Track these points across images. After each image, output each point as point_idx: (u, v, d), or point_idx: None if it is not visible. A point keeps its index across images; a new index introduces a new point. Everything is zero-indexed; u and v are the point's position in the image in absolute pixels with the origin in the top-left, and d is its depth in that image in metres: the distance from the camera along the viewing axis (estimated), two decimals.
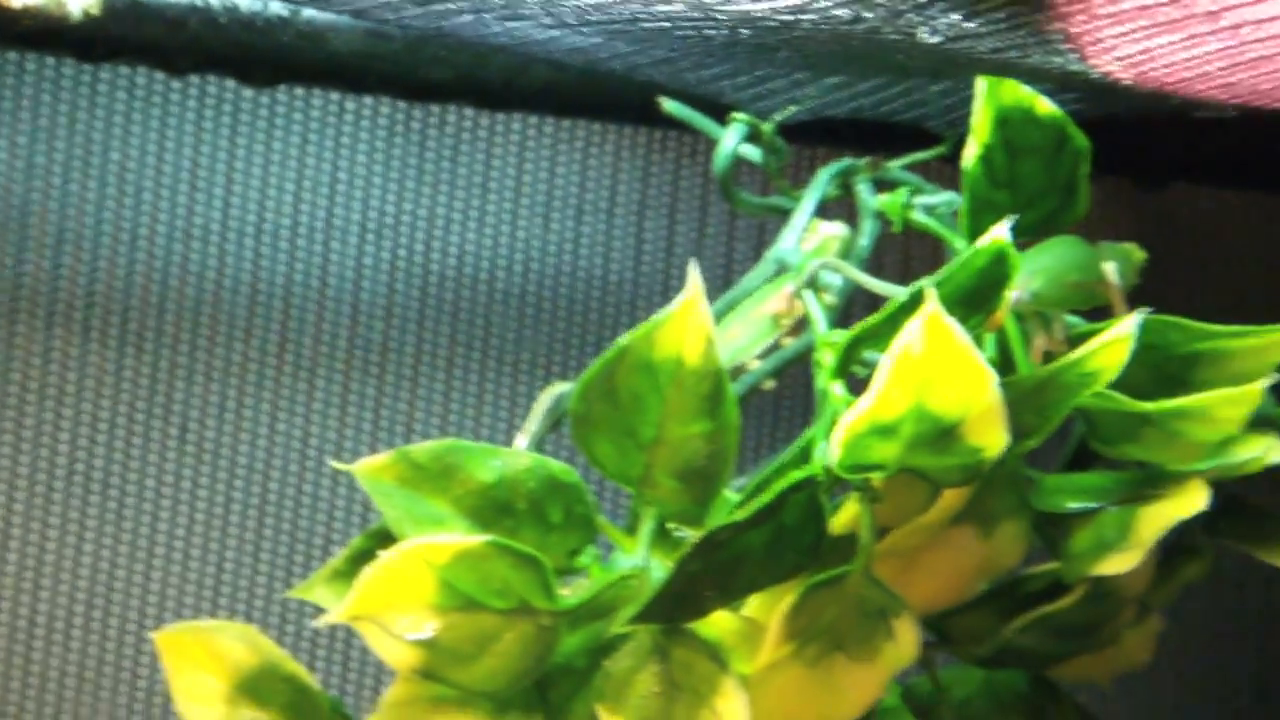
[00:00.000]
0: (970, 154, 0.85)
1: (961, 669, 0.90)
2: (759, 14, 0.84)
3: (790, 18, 0.83)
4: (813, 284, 0.89)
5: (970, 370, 0.74)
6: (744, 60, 0.95)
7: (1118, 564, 0.80)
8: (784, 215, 0.95)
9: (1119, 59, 0.85)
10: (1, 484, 1.08)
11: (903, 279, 0.89)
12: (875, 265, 0.90)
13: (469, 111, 1.13)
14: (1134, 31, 0.82)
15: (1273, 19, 0.78)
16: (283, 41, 1.01)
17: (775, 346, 0.92)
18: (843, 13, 0.81)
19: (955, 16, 0.83)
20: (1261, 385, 0.80)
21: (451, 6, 0.86)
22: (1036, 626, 0.83)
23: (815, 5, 0.81)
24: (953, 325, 0.74)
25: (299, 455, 1.12)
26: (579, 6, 0.85)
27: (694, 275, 0.77)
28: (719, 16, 0.84)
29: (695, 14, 0.85)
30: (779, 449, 0.87)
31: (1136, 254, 0.89)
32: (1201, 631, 1.21)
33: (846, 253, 0.93)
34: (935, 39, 0.84)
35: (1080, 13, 0.81)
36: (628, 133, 1.15)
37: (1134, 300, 0.87)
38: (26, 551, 1.08)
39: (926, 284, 0.77)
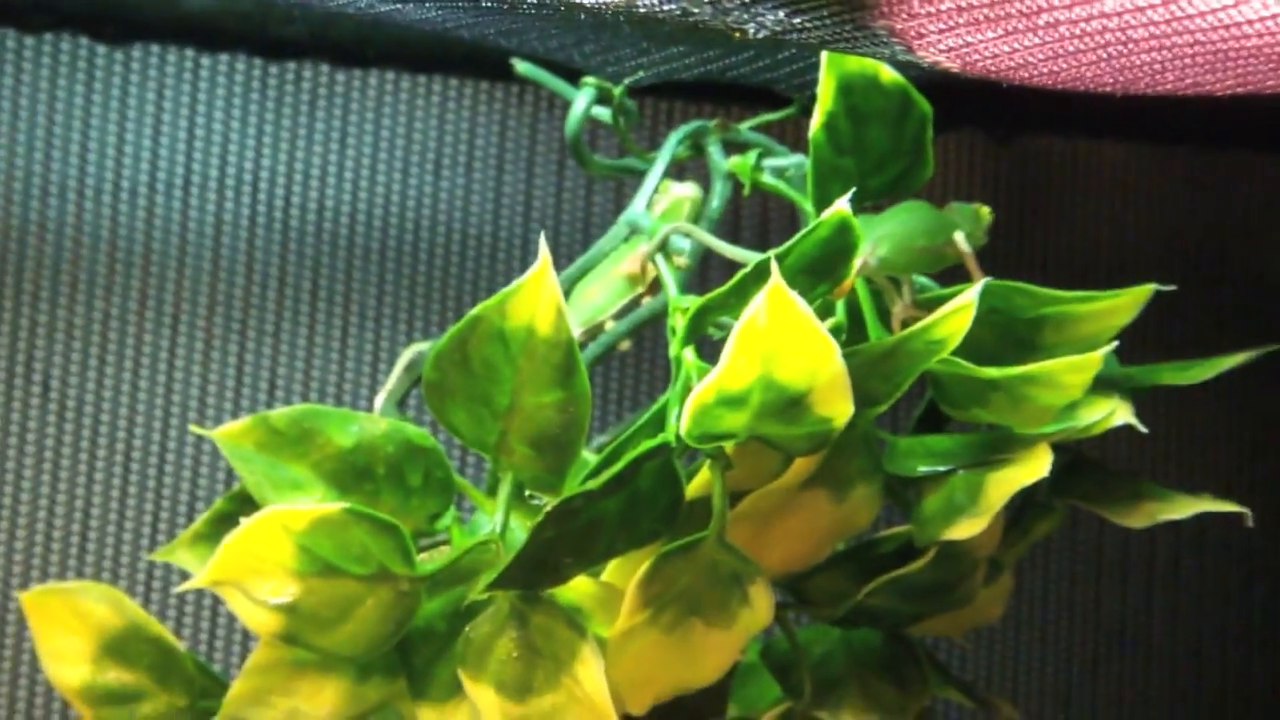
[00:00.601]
0: (815, 122, 0.86)
1: (819, 628, 0.91)
2: (590, 3, 0.84)
3: (622, 5, 0.83)
4: (663, 247, 0.90)
5: (814, 342, 0.75)
6: (588, 31, 0.95)
7: (967, 528, 0.81)
8: (637, 177, 0.96)
9: (943, 50, 0.84)
10: None
11: (762, 237, 0.91)
12: (733, 223, 0.91)
13: (325, 68, 1.13)
14: (955, 27, 0.81)
15: (1088, 19, 0.79)
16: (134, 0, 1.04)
17: (635, 305, 0.93)
18: (670, 7, 0.81)
19: (781, 14, 0.81)
20: (1104, 352, 0.81)
21: None
22: (890, 588, 0.84)
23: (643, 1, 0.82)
24: (796, 299, 0.74)
25: (162, 414, 1.12)
26: None
27: (543, 247, 0.77)
28: (551, 2, 0.85)
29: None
30: (643, 405, 0.88)
31: (985, 213, 0.88)
32: (1059, 582, 1.23)
33: (699, 214, 0.95)
34: (763, 34, 0.84)
35: (901, 11, 0.80)
36: (484, 88, 1.15)
37: (992, 251, 0.90)
38: None
39: (772, 255, 0.78)
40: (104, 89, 1.12)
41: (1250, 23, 0.78)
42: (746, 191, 0.95)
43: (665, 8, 0.81)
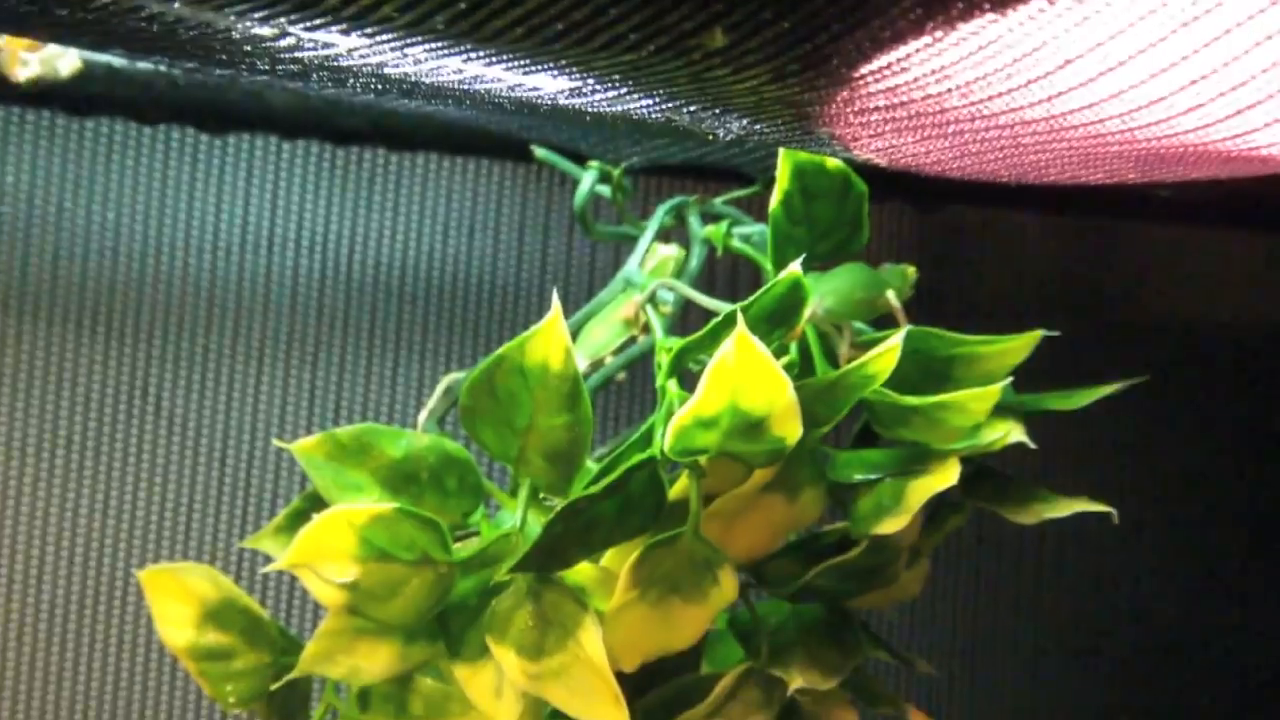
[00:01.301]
0: (774, 199, 0.88)
1: (775, 603, 0.91)
2: (586, 108, 0.84)
3: (616, 110, 0.83)
4: (652, 298, 0.91)
5: (772, 378, 0.76)
6: (592, 127, 0.93)
7: (892, 525, 0.82)
8: (632, 241, 0.97)
9: (873, 150, 0.85)
10: (15, 453, 1.08)
11: (732, 290, 0.92)
12: (709, 279, 0.93)
13: (381, 151, 1.13)
14: (881, 134, 0.82)
15: (985, 130, 0.79)
16: (230, 98, 1.03)
17: (630, 343, 0.94)
18: (658, 117, 0.83)
19: (744, 121, 0.81)
20: (1001, 385, 0.82)
21: (357, 86, 0.85)
22: (831, 572, 0.85)
23: (633, 108, 0.81)
24: (757, 343, 0.76)
25: (250, 430, 1.12)
26: (457, 92, 0.84)
27: (555, 300, 0.79)
28: (564, 105, 0.83)
29: (545, 102, 0.84)
30: (635, 422, 0.90)
31: (910, 272, 0.90)
32: (967, 565, 1.24)
33: (681, 270, 0.95)
34: (729, 136, 0.84)
35: (839, 122, 0.80)
36: (509, 169, 1.15)
37: (917, 302, 0.91)
38: (35, 508, 1.08)
39: (738, 307, 0.80)
40: (205, 169, 1.11)
41: (1112, 134, 0.81)
42: (719, 253, 0.97)
43: (653, 116, 0.82)
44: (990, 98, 0.77)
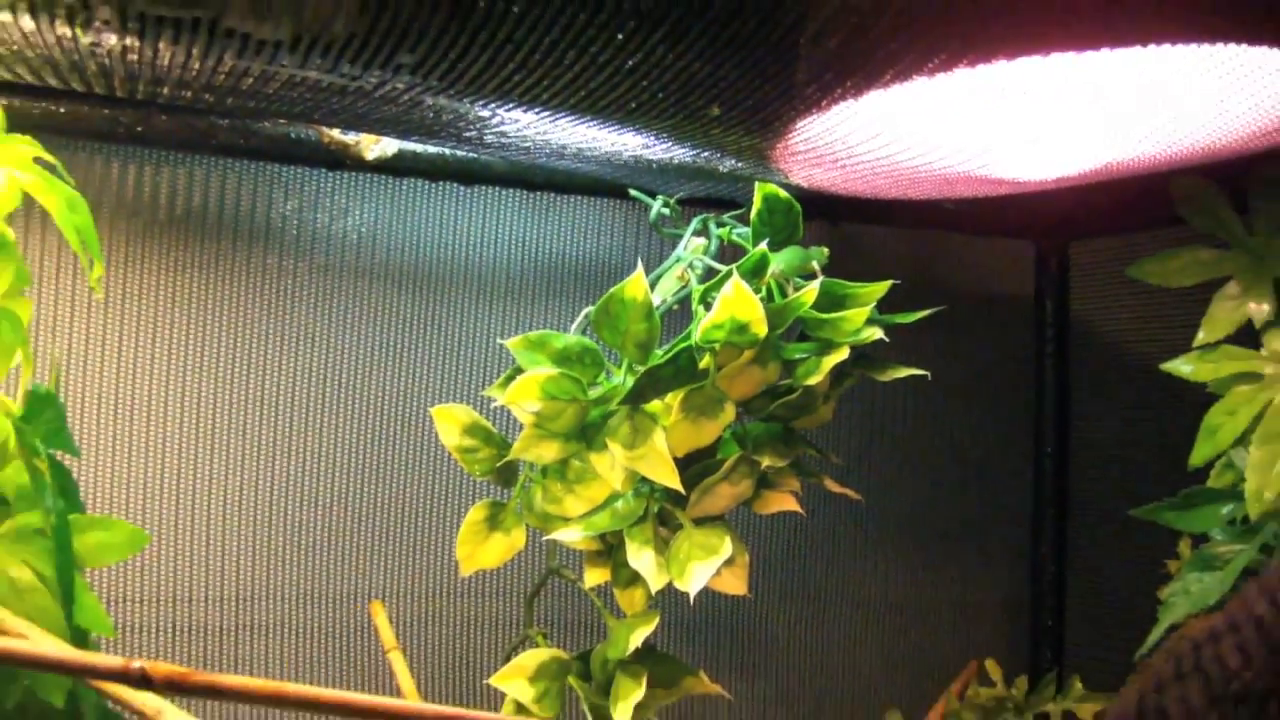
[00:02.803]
0: (753, 213, 0.93)
1: (755, 423, 0.95)
2: (650, 158, 0.88)
3: (667, 158, 0.88)
4: (691, 265, 0.97)
5: (751, 303, 0.85)
6: (655, 173, 0.96)
7: (815, 380, 0.89)
8: (679, 237, 1.00)
9: (804, 177, 0.89)
10: (390, 360, 1.05)
11: (733, 262, 0.93)
12: (720, 256, 0.97)
13: (524, 192, 1.09)
14: (810, 168, 0.87)
15: (874, 165, 0.83)
16: (474, 165, 1.02)
17: (683, 289, 0.96)
18: (689, 160, 0.87)
19: (731, 160, 0.86)
20: (869, 308, 0.90)
21: (511, 145, 0.87)
22: (782, 406, 0.92)
23: (675, 155, 0.85)
24: (745, 285, 0.85)
25: (483, 348, 1.08)
26: (582, 154, 0.89)
27: (639, 265, 0.86)
28: (639, 156, 0.88)
29: (628, 155, 0.87)
30: (681, 330, 0.91)
31: (824, 252, 0.95)
32: (857, 403, 1.23)
33: (706, 251, 0.98)
34: (725, 170, 0.91)
35: (783, 160, 0.84)
36: (613, 202, 1.12)
37: (830, 269, 0.95)
38: (386, 385, 1.05)
39: (734, 267, 0.88)
40: (464, 205, 1.07)
41: (970, 172, 0.85)
42: (725, 242, 0.99)
43: (686, 159, 0.86)
44: (866, 149, 0.82)
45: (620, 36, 0.56)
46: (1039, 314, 1.28)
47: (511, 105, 0.68)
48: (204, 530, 0.98)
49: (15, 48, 0.61)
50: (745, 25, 0.56)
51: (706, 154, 0.82)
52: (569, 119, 0.72)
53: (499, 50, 0.58)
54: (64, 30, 0.56)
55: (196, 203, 0.97)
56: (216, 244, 0.98)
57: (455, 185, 1.05)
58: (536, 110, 0.69)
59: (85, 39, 0.58)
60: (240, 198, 0.99)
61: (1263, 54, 0.63)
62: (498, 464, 0.94)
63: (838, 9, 0.54)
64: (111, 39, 0.57)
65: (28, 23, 0.55)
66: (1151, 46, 0.59)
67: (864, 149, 0.78)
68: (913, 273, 1.22)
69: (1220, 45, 0.61)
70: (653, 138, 0.77)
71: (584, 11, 0.54)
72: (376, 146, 0.97)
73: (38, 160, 0.65)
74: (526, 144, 0.81)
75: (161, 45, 0.58)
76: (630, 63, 0.59)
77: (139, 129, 0.90)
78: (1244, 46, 0.62)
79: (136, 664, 0.49)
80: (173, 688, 0.49)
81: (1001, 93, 0.69)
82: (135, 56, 0.61)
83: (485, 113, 0.70)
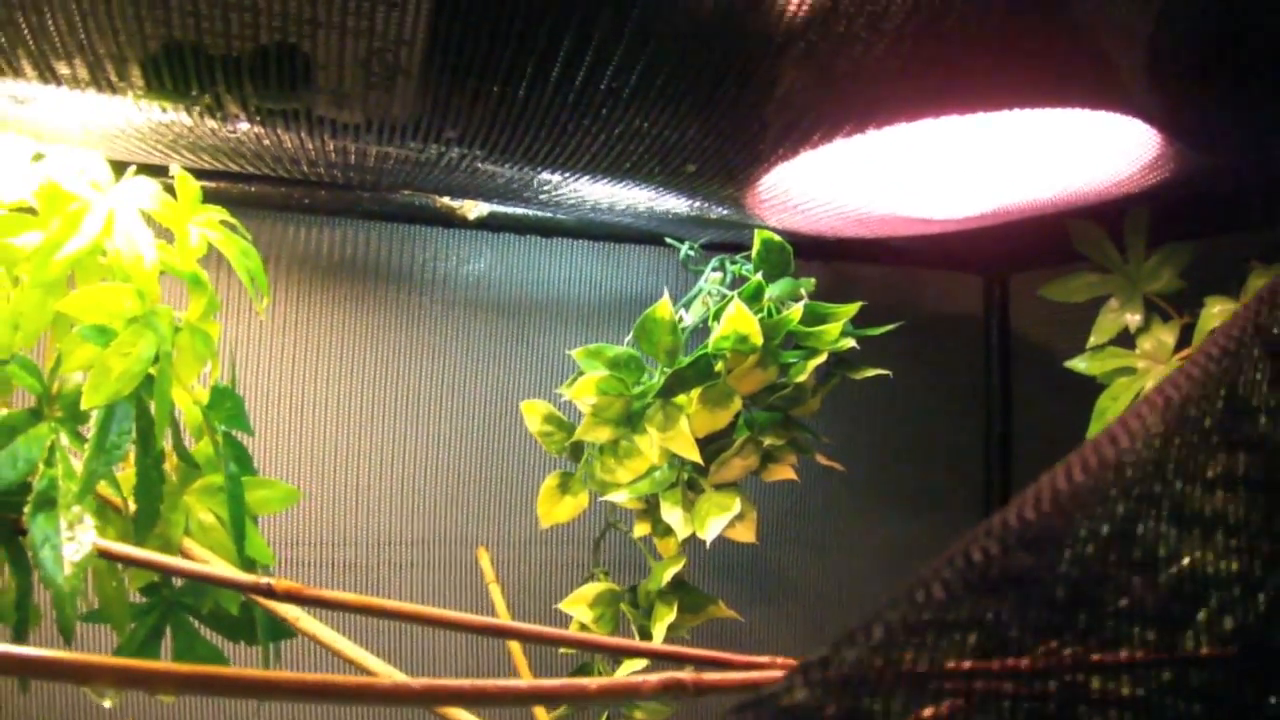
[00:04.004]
0: (754, 252, 0.92)
1: (759, 412, 0.92)
2: (663, 212, 0.86)
3: (675, 209, 0.85)
4: (710, 294, 0.95)
5: (749, 320, 0.85)
6: (680, 225, 0.95)
7: (804, 378, 0.88)
8: (701, 273, 0.98)
9: (778, 221, 0.87)
10: (484, 361, 1.01)
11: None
12: (732, 286, 0.93)
13: (589, 241, 1.06)
14: (778, 213, 0.84)
15: (835, 211, 0.81)
16: (547, 222, 0.99)
17: (706, 312, 0.93)
18: (691, 210, 0.84)
19: (719, 209, 0.84)
20: (843, 322, 0.87)
21: (556, 202, 0.85)
22: (781, 398, 0.90)
23: (678, 206, 0.82)
24: (744, 306, 0.85)
25: (556, 357, 1.04)
26: (610, 208, 0.87)
27: (665, 293, 0.86)
28: (655, 208, 0.85)
29: (650, 209, 0.85)
30: (699, 342, 0.89)
31: (811, 283, 0.92)
32: (838, 396, 1.18)
33: (722, 283, 0.95)
34: (716, 216, 0.86)
35: (757, 207, 0.82)
36: (654, 248, 1.08)
37: (816, 295, 0.92)
38: (484, 379, 1.01)
39: (735, 293, 0.87)
40: (542, 253, 1.05)
41: (896, 214, 0.84)
42: (737, 275, 0.96)
43: (689, 210, 0.84)
44: (810, 197, 0.81)
45: (604, 112, 0.56)
46: (987, 330, 1.25)
47: (538, 168, 0.68)
48: (349, 492, 0.99)
49: (191, 141, 0.63)
50: (704, 100, 0.56)
51: (699, 204, 0.80)
52: (585, 177, 0.71)
53: (516, 124, 0.58)
54: (212, 123, 0.57)
55: (347, 254, 0.98)
56: (361, 285, 0.99)
57: (537, 237, 1.04)
58: (558, 171, 0.69)
59: (224, 128, 0.59)
60: (379, 250, 0.99)
61: (1117, 119, 0.62)
62: (567, 444, 0.93)
63: (769, 88, 0.53)
64: (244, 126, 0.58)
65: (185, 118, 0.57)
66: (1021, 111, 0.58)
67: (808, 197, 0.77)
68: (886, 299, 1.19)
69: (1080, 111, 0.59)
70: (651, 190, 0.76)
71: (574, 94, 0.54)
72: (476, 209, 0.96)
73: (223, 222, 0.67)
74: (570, 200, 0.80)
75: (279, 131, 0.59)
76: (617, 130, 0.59)
77: (306, 201, 0.91)
78: (1102, 113, 0.61)
79: (265, 580, 0.50)
80: (290, 598, 0.49)
81: (910, 149, 0.68)
82: (267, 141, 0.62)
83: (524, 174, 0.70)
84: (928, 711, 0.27)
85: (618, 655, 0.83)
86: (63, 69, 0.48)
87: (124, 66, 0.47)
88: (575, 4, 0.47)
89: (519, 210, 0.96)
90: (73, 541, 0.50)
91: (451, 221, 0.97)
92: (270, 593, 0.48)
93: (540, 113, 0.56)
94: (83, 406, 0.54)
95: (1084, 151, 0.68)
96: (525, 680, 0.40)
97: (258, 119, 0.57)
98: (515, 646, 0.82)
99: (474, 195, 0.87)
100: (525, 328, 1.05)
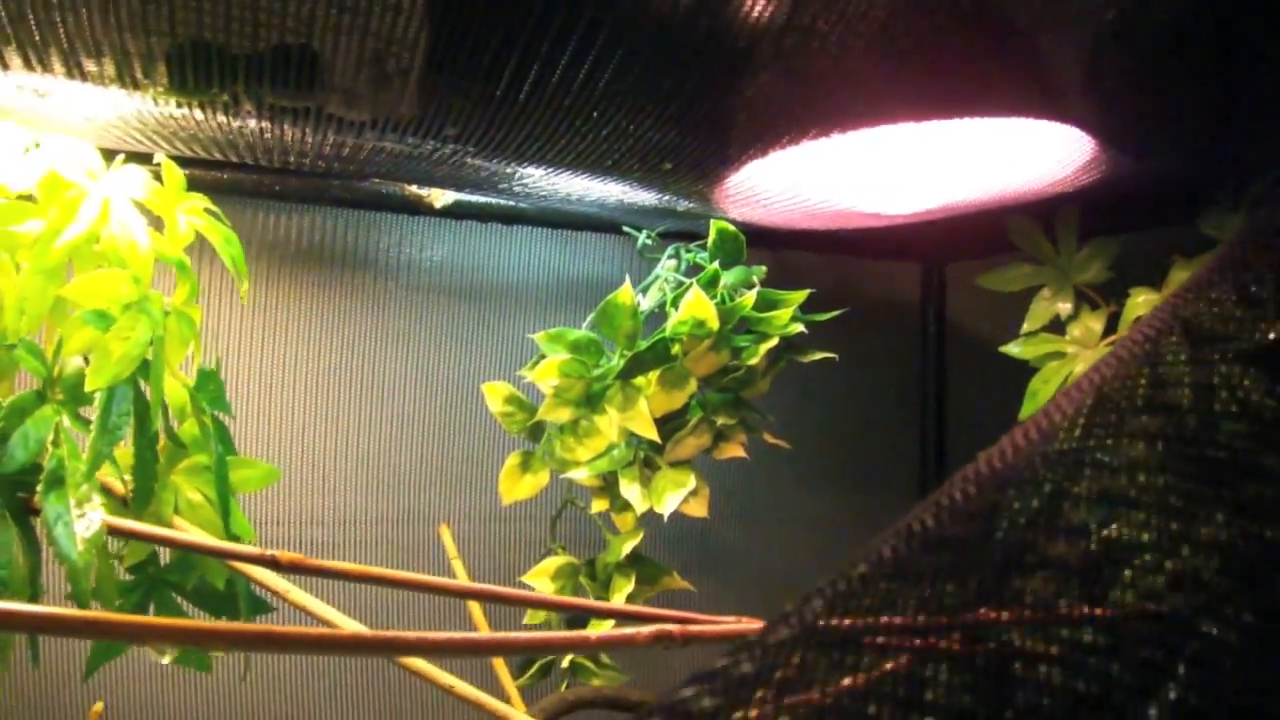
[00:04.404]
0: (710, 241, 0.93)
1: (711, 393, 0.94)
2: (632, 202, 0.86)
3: (645, 200, 0.85)
4: (666, 281, 0.96)
5: (706, 305, 0.86)
6: (638, 213, 0.93)
7: (755, 361, 0.89)
8: (657, 260, 0.99)
9: (740, 214, 0.89)
10: (458, 348, 1.01)
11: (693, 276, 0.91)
12: (687, 273, 0.95)
13: (548, 229, 1.06)
14: (741, 207, 0.86)
15: (791, 205, 0.82)
16: (511, 209, 0.98)
17: (662, 298, 0.94)
18: (658, 202, 0.84)
19: (687, 202, 0.84)
20: (793, 309, 0.89)
21: (532, 193, 0.83)
22: (732, 379, 0.91)
23: (649, 198, 0.83)
24: (702, 293, 0.86)
25: (514, 340, 1.03)
26: (581, 199, 0.86)
27: (627, 280, 0.87)
28: (623, 199, 0.85)
29: (615, 198, 0.84)
30: (657, 326, 0.90)
31: (762, 270, 0.93)
32: (786, 378, 1.20)
33: (677, 270, 0.97)
34: (682, 209, 0.88)
35: (722, 201, 0.83)
36: (612, 236, 1.08)
37: (767, 283, 0.92)
38: (451, 370, 1.00)
39: (694, 280, 0.89)
40: (502, 241, 1.04)
41: (851, 209, 0.85)
42: (691, 263, 0.97)
43: (658, 202, 0.84)
44: (774, 193, 0.81)
45: (596, 114, 0.58)
46: (924, 316, 1.27)
47: (525, 163, 0.69)
48: (315, 472, 1.00)
49: (192, 133, 0.64)
50: (681, 105, 0.58)
51: (668, 198, 0.82)
52: (567, 173, 0.72)
53: (513, 124, 0.60)
54: (223, 119, 0.58)
55: (317, 240, 0.98)
56: (329, 270, 0.99)
57: (499, 225, 1.04)
58: (543, 167, 0.70)
59: (235, 124, 0.60)
60: (347, 236, 0.99)
61: (1056, 127, 0.65)
62: (528, 424, 0.94)
63: (741, 96, 0.56)
64: (253, 123, 0.60)
65: (198, 114, 0.58)
66: (970, 119, 0.61)
67: (771, 193, 0.79)
68: (829, 286, 1.20)
69: (1023, 119, 0.62)
70: (629, 185, 0.77)
71: (568, 97, 0.56)
72: (443, 198, 0.97)
73: (207, 210, 0.68)
74: (543, 192, 0.81)
75: (286, 127, 0.60)
76: (604, 131, 0.60)
77: (277, 188, 0.91)
78: (1043, 121, 0.64)
79: (269, 552, 0.52)
80: (295, 568, 0.51)
81: (867, 151, 0.70)
82: (269, 136, 0.63)
83: (509, 169, 0.71)
84: (874, 670, 0.28)
85: (596, 617, 0.85)
86: (90, 66, 0.49)
87: (151, 65, 0.49)
88: (579, 10, 0.48)
89: (482, 199, 0.97)
90: (84, 519, 0.52)
91: (418, 209, 0.97)
92: (275, 564, 0.50)
93: (539, 112, 0.58)
94: (87, 389, 0.55)
95: (1025, 155, 0.71)
96: (530, 634, 0.43)
97: (268, 116, 0.58)
98: (477, 613, 0.84)
99: (450, 185, 0.88)
100: (486, 312, 1.05)
